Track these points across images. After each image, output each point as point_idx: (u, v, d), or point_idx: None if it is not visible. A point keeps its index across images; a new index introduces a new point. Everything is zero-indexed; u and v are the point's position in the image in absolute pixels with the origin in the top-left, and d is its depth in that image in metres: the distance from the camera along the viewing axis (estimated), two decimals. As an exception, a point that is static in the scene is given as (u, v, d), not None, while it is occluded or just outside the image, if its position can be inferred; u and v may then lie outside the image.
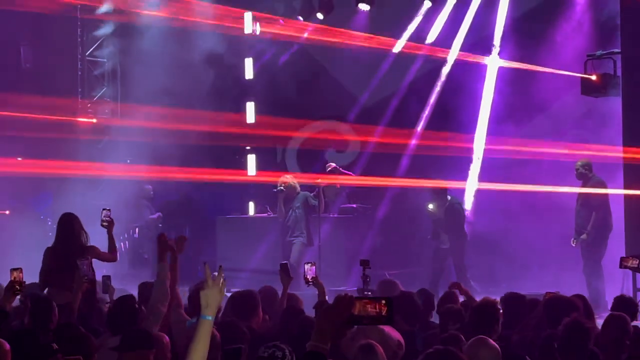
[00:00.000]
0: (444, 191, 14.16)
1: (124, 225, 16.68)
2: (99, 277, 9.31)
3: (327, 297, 7.90)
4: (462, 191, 15.68)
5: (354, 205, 15.83)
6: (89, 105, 18.04)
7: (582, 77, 13.30)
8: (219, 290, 4.18)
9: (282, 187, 14.43)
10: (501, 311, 7.07)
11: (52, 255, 9.50)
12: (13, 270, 7.02)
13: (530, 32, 15.70)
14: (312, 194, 14.52)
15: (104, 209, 9.73)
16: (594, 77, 13.26)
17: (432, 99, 16.41)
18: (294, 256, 14.05)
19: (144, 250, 17.00)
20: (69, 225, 9.57)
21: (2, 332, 6.56)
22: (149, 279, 10.24)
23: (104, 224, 9.60)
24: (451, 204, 14.12)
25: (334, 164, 15.52)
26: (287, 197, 14.46)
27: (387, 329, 6.30)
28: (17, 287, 6.82)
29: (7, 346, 5.91)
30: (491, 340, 5.89)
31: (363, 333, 6.02)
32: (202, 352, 4.14)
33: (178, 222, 17.12)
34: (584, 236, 12.79)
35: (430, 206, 14.09)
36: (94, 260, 9.28)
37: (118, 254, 9.93)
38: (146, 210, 17.03)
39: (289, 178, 14.66)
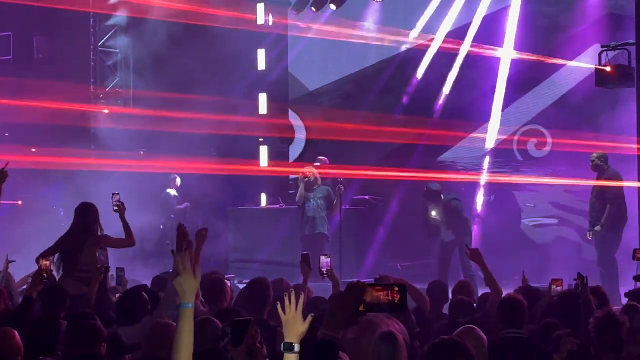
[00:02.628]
0: (436, 193, 13.95)
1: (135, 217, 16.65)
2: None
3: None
4: (475, 184, 15.67)
5: (367, 197, 15.80)
6: (101, 95, 18.04)
7: (596, 68, 13.20)
8: (192, 276, 4.05)
9: (307, 179, 14.36)
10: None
11: (62, 241, 9.50)
12: (42, 258, 7.02)
13: (544, 22, 15.65)
14: (330, 189, 14.44)
15: (113, 194, 9.60)
16: (608, 69, 13.16)
17: (445, 91, 16.36)
18: (320, 250, 13.79)
19: (169, 241, 16.97)
20: (80, 215, 9.54)
21: (28, 318, 6.60)
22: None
23: (115, 208, 9.44)
24: (447, 202, 13.91)
25: (324, 158, 15.37)
26: (308, 184, 14.37)
27: (390, 322, 6.23)
28: (44, 275, 6.83)
29: (16, 333, 5.95)
30: (479, 331, 5.92)
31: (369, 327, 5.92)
32: (188, 341, 4.03)
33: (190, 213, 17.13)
34: (597, 228, 12.71)
35: (434, 213, 13.91)
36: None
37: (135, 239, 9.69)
38: (173, 200, 16.95)
39: (313, 169, 14.58)
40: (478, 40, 15.97)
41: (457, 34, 16.24)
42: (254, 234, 15.70)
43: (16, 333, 5.99)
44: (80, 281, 9.01)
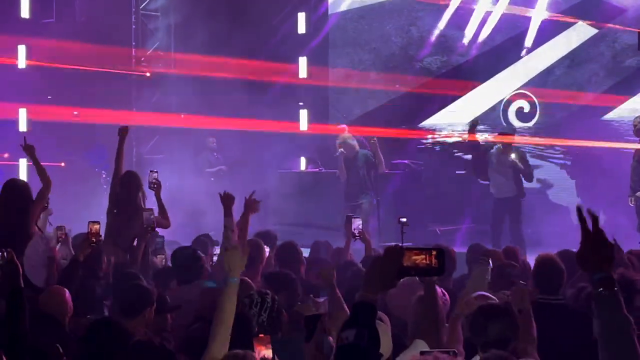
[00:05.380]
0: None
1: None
2: None
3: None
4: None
5: (406, 161, 15.78)
6: (142, 58, 18.12)
7: (639, 32, 13.05)
8: (239, 253, 4.35)
9: (341, 150, 14.10)
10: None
11: (111, 213, 9.51)
12: (91, 222, 7.07)
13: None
14: (369, 151, 14.25)
15: (151, 171, 9.49)
16: (650, 33, 13.03)
17: (478, 49, 16.44)
18: (364, 216, 13.54)
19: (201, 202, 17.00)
20: (125, 187, 9.42)
21: (74, 280, 6.73)
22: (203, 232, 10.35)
23: (152, 186, 9.33)
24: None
25: (344, 125, 15.24)
26: (346, 157, 14.16)
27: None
28: (93, 239, 6.92)
29: (66, 292, 6.10)
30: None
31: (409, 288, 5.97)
32: (230, 313, 4.26)
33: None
34: (639, 193, 12.63)
35: (512, 155, 13.15)
36: None
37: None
38: (205, 163, 16.98)
39: (347, 137, 14.34)
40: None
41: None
42: (292, 198, 15.72)
43: (66, 291, 6.13)
44: (122, 249, 9.03)
